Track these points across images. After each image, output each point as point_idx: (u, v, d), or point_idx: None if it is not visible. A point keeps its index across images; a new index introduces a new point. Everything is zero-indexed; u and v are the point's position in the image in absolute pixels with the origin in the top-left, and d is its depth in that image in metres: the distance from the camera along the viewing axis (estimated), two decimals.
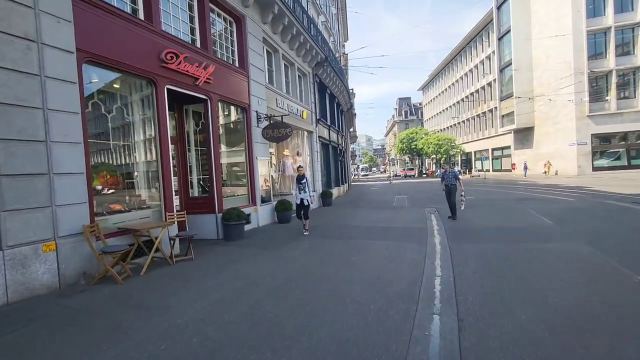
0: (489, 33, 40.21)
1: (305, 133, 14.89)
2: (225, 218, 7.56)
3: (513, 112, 33.85)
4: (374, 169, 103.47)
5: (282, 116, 9.81)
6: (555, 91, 28.12)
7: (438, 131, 55.01)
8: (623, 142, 27.53)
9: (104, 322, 3.50)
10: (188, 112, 8.32)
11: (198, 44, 7.77)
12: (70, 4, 4.79)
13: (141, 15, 6.28)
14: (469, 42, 45.68)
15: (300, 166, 8.53)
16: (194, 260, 5.94)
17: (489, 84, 40.86)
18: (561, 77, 27.42)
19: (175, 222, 6.50)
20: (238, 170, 9.80)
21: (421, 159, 56.96)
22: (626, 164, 27.23)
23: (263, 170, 9.98)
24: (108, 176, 6.03)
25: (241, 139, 9.49)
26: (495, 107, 38.57)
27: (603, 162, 27.84)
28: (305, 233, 7.91)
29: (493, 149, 41.44)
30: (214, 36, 8.51)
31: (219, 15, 8.75)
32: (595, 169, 27.48)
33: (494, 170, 40.99)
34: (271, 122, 9.80)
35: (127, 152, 6.43)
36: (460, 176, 9.66)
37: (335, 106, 21.12)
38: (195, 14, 7.83)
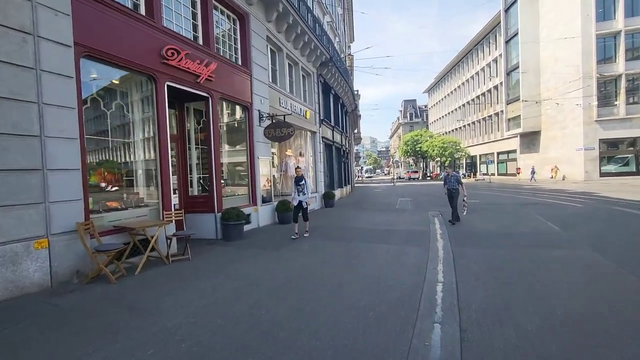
0: (496, 36, 39.85)
1: (309, 133, 14.77)
2: (225, 218, 7.45)
3: (519, 115, 33.45)
4: (378, 170, 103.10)
5: (284, 115, 9.69)
6: (563, 95, 27.73)
7: (443, 134, 54.67)
8: (632, 148, 27.06)
9: (93, 323, 3.38)
10: (189, 110, 8.23)
11: (200, 41, 7.68)
12: None
13: (142, 11, 6.19)
14: (476, 45, 45.33)
15: (298, 167, 8.25)
16: (191, 260, 5.83)
17: (496, 87, 40.48)
18: (569, 81, 27.05)
19: (173, 221, 6.39)
20: (239, 169, 9.70)
21: (425, 161, 56.62)
22: (634, 170, 26.76)
23: (264, 170, 9.87)
24: (106, 173, 5.94)
25: (243, 138, 9.38)
26: (502, 111, 38.17)
27: (611, 167, 27.39)
28: (293, 237, 7.48)
29: (498, 153, 41.02)
30: (217, 34, 8.42)
31: (222, 12, 8.66)
32: (602, 174, 27.03)
33: (499, 174, 40.56)
34: (273, 121, 9.69)
35: (126, 149, 6.34)
36: (463, 180, 9.44)
37: (339, 107, 20.99)
38: (198, 11, 7.74)
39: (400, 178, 52.52)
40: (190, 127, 8.25)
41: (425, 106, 76.36)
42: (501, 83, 38.07)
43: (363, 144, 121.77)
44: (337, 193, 17.85)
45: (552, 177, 29.35)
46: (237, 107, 9.33)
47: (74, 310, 3.73)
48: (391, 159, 70.68)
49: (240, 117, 9.45)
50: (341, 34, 26.36)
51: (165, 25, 6.56)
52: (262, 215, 9.52)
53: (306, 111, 13.58)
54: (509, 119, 36.35)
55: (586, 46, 26.53)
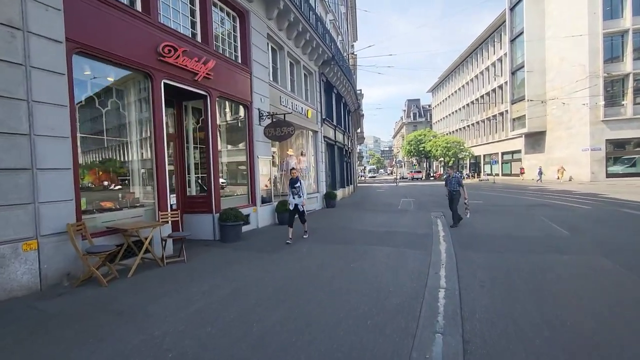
0: (501, 35, 39.44)
1: (310, 133, 14.60)
2: (222, 218, 7.31)
3: (524, 115, 33.08)
4: (381, 170, 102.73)
5: (284, 114, 9.53)
6: (569, 95, 27.34)
7: (447, 134, 54.28)
8: (639, 149, 26.62)
9: (77, 329, 3.24)
10: (187, 109, 8.10)
11: (199, 39, 7.53)
12: None
13: (138, 7, 6.06)
14: (481, 44, 44.91)
15: (293, 168, 7.89)
16: (186, 262, 5.69)
17: (500, 87, 40.07)
18: (575, 80, 26.65)
19: (169, 222, 6.27)
20: (238, 169, 9.55)
21: (429, 161, 56.26)
22: None
23: (264, 169, 9.72)
24: (100, 173, 5.81)
25: (242, 137, 9.24)
26: (506, 110, 37.77)
27: (617, 168, 26.97)
28: (288, 242, 7.08)
29: (503, 153, 40.62)
30: (216, 31, 8.27)
31: (221, 9, 8.51)
32: (609, 175, 26.64)
33: (503, 175, 40.17)
34: (273, 120, 9.53)
35: (121, 148, 6.21)
36: (464, 181, 9.21)
37: (342, 106, 20.79)
38: (197, 7, 7.59)
39: (403, 178, 52.28)
40: (189, 126, 8.12)
41: (429, 106, 75.93)
42: (506, 82, 37.67)
43: (366, 144, 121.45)
44: (339, 193, 17.67)
45: (558, 178, 28.93)
46: (237, 106, 9.18)
47: (59, 315, 3.59)
48: (394, 159, 70.27)
49: (240, 116, 9.30)
50: (344, 33, 26.15)
51: (162, 21, 6.43)
52: (261, 216, 9.37)
53: (308, 110, 13.41)
54: (513, 119, 35.96)
55: (593, 45, 26.13)
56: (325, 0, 19.14)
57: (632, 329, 3.05)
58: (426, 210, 12.49)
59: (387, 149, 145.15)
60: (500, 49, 39.51)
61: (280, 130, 9.28)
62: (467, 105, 49.94)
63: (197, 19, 7.60)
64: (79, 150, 5.43)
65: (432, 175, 53.32)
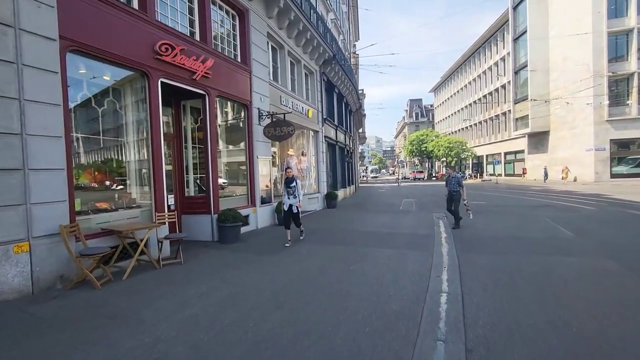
0: (503, 34, 39.18)
1: (311, 133, 14.49)
2: (221, 219, 7.20)
3: (527, 115, 32.81)
4: (383, 170, 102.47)
5: (284, 114, 9.42)
6: (573, 94, 27.08)
7: (449, 133, 54.03)
8: None
9: (66, 335, 3.14)
10: (186, 108, 8.00)
11: (197, 37, 7.43)
12: None
13: (135, 4, 5.96)
14: (483, 44, 44.65)
15: (288, 168, 7.50)
16: (183, 264, 5.59)
17: (503, 87, 39.81)
18: (579, 79, 26.39)
19: (166, 223, 6.17)
20: (238, 169, 9.45)
21: (431, 161, 56.01)
22: None
23: (264, 170, 9.61)
24: (96, 173, 5.72)
25: (242, 137, 9.13)
26: (509, 110, 37.52)
27: (622, 168, 26.70)
28: (286, 245, 6.87)
29: (506, 153, 40.37)
30: (215, 29, 8.17)
31: (221, 7, 8.40)
32: (613, 175, 26.38)
33: (506, 175, 39.92)
34: (273, 119, 9.42)
35: (118, 148, 6.11)
36: (465, 181, 9.04)
37: (343, 106, 20.66)
38: (195, 6, 7.49)
39: (405, 178, 52.06)
40: (187, 125, 8.02)
41: (431, 106, 75.65)
42: (509, 82, 37.43)
43: (368, 144, 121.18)
44: (340, 193, 17.56)
45: (563, 179, 28.66)
46: (236, 105, 9.08)
47: (49, 319, 3.49)
48: (396, 159, 70.05)
49: (239, 116, 9.20)
50: (345, 32, 26.02)
51: (159, 19, 6.33)
52: (261, 217, 9.26)
53: (308, 110, 13.30)
54: (516, 119, 35.71)
55: (597, 44, 25.87)
56: None
57: None
58: (428, 210, 12.35)
59: (389, 149, 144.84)
60: (503, 48, 39.26)
61: (280, 130, 9.17)
62: (470, 105, 49.68)
63: (196, 17, 7.50)
64: (79, 150, 5.39)
65: (434, 175, 53.09)
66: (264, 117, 9.38)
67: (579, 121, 28.01)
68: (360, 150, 52.33)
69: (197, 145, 8.09)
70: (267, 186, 9.84)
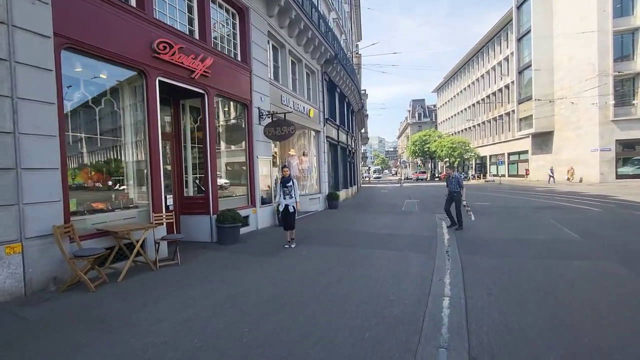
0: (507, 33, 38.89)
1: (313, 133, 14.39)
2: (220, 220, 7.11)
3: (531, 115, 32.50)
4: (386, 171, 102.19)
5: (284, 113, 9.31)
6: (578, 94, 26.77)
7: (452, 134, 53.74)
8: None
9: (55, 339, 3.04)
10: (185, 108, 7.91)
11: (196, 35, 7.35)
12: None
13: (132, 2, 5.87)
14: (487, 43, 44.35)
15: (284, 166, 7.19)
16: (180, 265, 5.49)
17: (507, 86, 39.51)
18: (584, 79, 26.08)
19: (164, 224, 6.07)
20: (237, 169, 9.35)
21: (434, 162, 55.73)
22: None
23: (264, 170, 9.51)
24: (92, 172, 5.63)
25: (242, 136, 9.03)
26: (513, 110, 37.19)
27: (628, 169, 26.35)
28: (286, 246, 6.69)
29: (509, 154, 40.04)
30: (215, 28, 8.08)
31: (220, 6, 8.31)
32: (618, 176, 26.03)
33: (509, 176, 39.59)
34: (274, 119, 9.32)
35: (115, 148, 6.03)
36: (466, 182, 8.89)
37: (345, 106, 20.54)
38: (195, 4, 7.41)
39: (407, 179, 51.84)
40: (186, 125, 7.93)
41: (434, 106, 75.32)
42: (513, 82, 37.12)
43: (370, 144, 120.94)
44: (342, 194, 17.43)
45: (568, 179, 28.31)
46: (236, 105, 8.99)
47: (39, 323, 3.39)
48: (399, 160, 69.80)
49: (239, 115, 9.10)
50: (348, 32, 25.90)
51: (157, 17, 6.24)
52: (261, 217, 9.15)
53: (310, 110, 13.19)
54: (520, 119, 35.39)
55: (603, 43, 25.57)
56: None
57: None
58: (431, 211, 12.19)
59: (392, 149, 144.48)
60: (507, 47, 38.97)
61: (281, 129, 9.07)
62: (473, 105, 49.36)
63: (195, 16, 7.41)
64: (75, 149, 5.31)
65: (437, 175, 52.81)
66: (264, 116, 9.28)
67: (583, 121, 27.70)
68: (362, 151, 52.17)
69: (196, 145, 8.00)
70: (267, 186, 9.74)
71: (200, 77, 7.04)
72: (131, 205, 6.02)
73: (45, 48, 4.36)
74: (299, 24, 11.17)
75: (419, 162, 63.42)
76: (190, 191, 7.95)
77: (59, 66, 4.54)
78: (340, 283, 4.56)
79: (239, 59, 8.77)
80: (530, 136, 34.63)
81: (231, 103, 8.90)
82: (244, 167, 9.02)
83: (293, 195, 6.80)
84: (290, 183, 6.79)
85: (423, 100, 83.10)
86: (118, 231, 4.82)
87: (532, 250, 6.18)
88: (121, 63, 5.53)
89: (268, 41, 10.13)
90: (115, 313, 3.64)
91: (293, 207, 6.80)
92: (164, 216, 6.03)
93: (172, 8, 6.90)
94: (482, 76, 46.01)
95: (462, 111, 53.86)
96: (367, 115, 37.54)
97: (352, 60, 23.54)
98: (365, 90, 35.72)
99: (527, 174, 35.28)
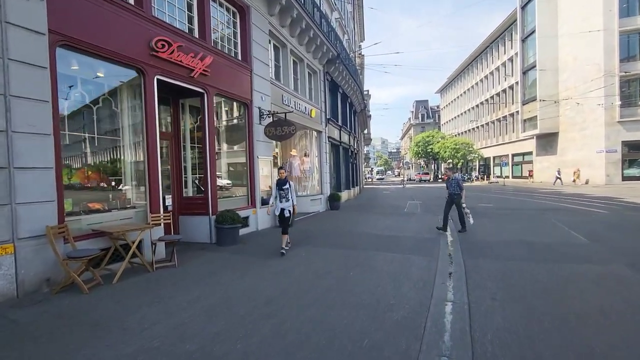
0: (512, 34, 38.60)
1: (314, 133, 14.28)
2: (219, 221, 7.01)
3: (536, 116, 32.20)
4: (389, 172, 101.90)
5: (285, 113, 9.21)
6: (583, 95, 26.47)
7: (455, 135, 53.44)
8: None
9: (43, 344, 2.94)
10: (184, 107, 7.83)
11: (196, 34, 7.26)
12: None
13: None
14: (491, 44, 44.06)
15: (281, 168, 6.74)
16: (177, 267, 5.39)
17: (511, 87, 39.21)
18: (590, 79, 25.78)
19: (162, 224, 5.98)
20: (237, 170, 9.26)
21: (437, 163, 55.43)
22: None
23: (265, 170, 9.41)
24: (89, 172, 5.55)
25: (242, 136, 8.93)
26: (517, 111, 36.91)
27: (634, 171, 26.01)
28: (282, 250, 6.19)
29: (513, 155, 39.71)
30: (215, 26, 7.99)
31: (220, 4, 8.23)
32: (625, 178, 25.71)
33: (513, 177, 39.26)
34: (274, 119, 9.21)
35: (112, 147, 5.94)
36: (469, 183, 8.70)
37: (347, 106, 20.42)
38: (194, 2, 7.33)
39: (410, 180, 51.58)
40: (186, 125, 7.84)
41: (438, 107, 74.99)
42: (517, 83, 36.83)
43: (373, 145, 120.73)
44: (344, 195, 17.30)
45: (574, 181, 27.95)
46: (236, 104, 8.90)
47: (29, 326, 3.30)
48: (402, 161, 69.53)
49: (239, 115, 9.01)
50: (350, 32, 25.79)
51: (155, 15, 6.16)
52: (261, 218, 9.05)
53: (311, 110, 13.08)
54: (524, 120, 35.10)
55: (609, 43, 25.28)
56: None
57: None
58: (433, 213, 12.02)
59: (395, 150, 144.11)
60: (511, 48, 38.67)
61: (282, 129, 8.97)
62: (477, 106, 49.05)
63: (195, 14, 7.33)
64: (71, 148, 5.23)
65: (440, 177, 52.48)
66: (264, 116, 9.18)
67: (589, 122, 27.39)
68: (365, 152, 52.00)
69: (196, 145, 7.92)
70: (268, 187, 9.63)
71: (200, 76, 6.95)
72: (128, 206, 5.94)
73: (39, 45, 4.28)
74: (300, 23, 11.08)
75: (422, 163, 63.17)
76: (189, 191, 7.86)
77: (53, 64, 4.46)
78: (339, 286, 4.43)
79: (240, 58, 8.68)
80: (535, 137, 34.32)
81: (231, 102, 8.81)
82: (244, 168, 8.92)
83: (290, 198, 6.43)
84: (287, 185, 6.39)
85: (426, 101, 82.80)
86: (113, 232, 4.72)
87: (538, 253, 6.03)
88: (119, 61, 5.45)
89: (269, 40, 10.04)
90: (107, 316, 3.55)
91: (289, 211, 6.41)
92: (162, 217, 5.94)
93: (171, 6, 6.82)
94: (486, 77, 45.71)
95: (465, 112, 53.55)
96: (370, 116, 37.39)
97: (354, 60, 23.43)
98: (368, 91, 35.61)
99: (530, 176, 34.93)
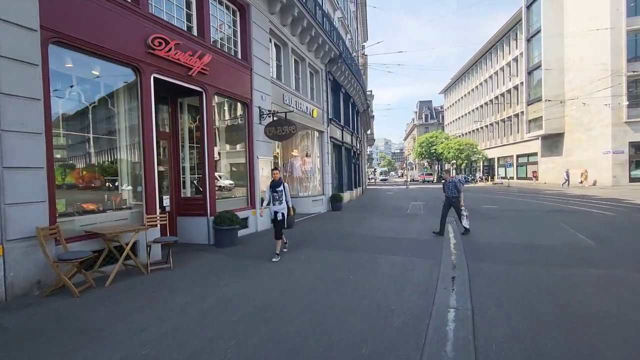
0: (516, 33, 38.22)
1: (316, 133, 14.13)
2: (217, 222, 6.88)
3: (541, 116, 31.80)
4: (392, 172, 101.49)
5: (285, 113, 9.08)
6: (589, 95, 26.07)
7: (459, 135, 53.07)
8: None
9: (27, 350, 2.83)
10: (183, 106, 7.72)
11: (194, 32, 7.15)
12: None
13: None
14: (495, 44, 43.67)
15: (275, 168, 6.42)
16: (172, 269, 5.26)
17: (516, 87, 38.80)
18: (597, 79, 25.38)
19: (158, 226, 5.86)
20: (237, 170, 9.14)
21: (441, 164, 55.06)
22: None
23: (265, 170, 9.27)
24: (83, 172, 5.45)
25: (242, 136, 8.81)
26: (522, 112, 36.49)
27: None
28: (275, 259, 5.78)
29: (518, 156, 39.28)
30: (214, 24, 7.88)
31: (220, 2, 8.11)
32: (632, 179, 25.26)
33: (518, 178, 38.83)
34: (275, 118, 9.09)
35: (107, 146, 5.84)
36: (475, 184, 8.48)
37: (350, 106, 20.26)
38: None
39: (414, 180, 51.30)
40: (184, 124, 7.74)
41: (441, 107, 74.57)
42: (522, 83, 36.43)
43: (376, 146, 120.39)
44: (346, 196, 17.13)
45: (581, 182, 27.51)
46: (236, 104, 8.78)
47: (15, 331, 3.19)
48: (405, 161, 69.22)
49: (239, 114, 8.90)
50: (353, 32, 25.63)
51: (152, 12, 6.05)
52: (260, 219, 8.88)
53: (313, 110, 12.94)
54: (529, 121, 34.68)
55: (616, 42, 24.89)
56: None
57: None
58: (436, 214, 11.75)
59: (398, 151, 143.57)
60: (516, 48, 38.29)
61: (282, 129, 8.83)
62: (481, 106, 48.65)
63: (193, 12, 7.23)
64: (64, 148, 5.13)
65: (443, 178, 52.09)
66: (265, 116, 9.05)
67: (595, 123, 26.99)
68: (368, 152, 51.82)
69: (194, 145, 7.81)
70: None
71: (198, 75, 6.84)
72: (124, 206, 5.83)
73: (31, 42, 4.18)
74: (301, 21, 10.95)
75: (426, 163, 62.82)
76: (187, 192, 7.75)
77: (45, 61, 4.36)
78: (339, 290, 4.28)
79: (240, 56, 8.56)
80: (540, 138, 33.90)
81: (231, 102, 8.70)
82: (244, 168, 8.80)
83: (283, 201, 6.12)
84: (281, 188, 6.10)
85: (430, 101, 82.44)
86: (106, 233, 4.61)
87: (544, 257, 5.83)
88: (114, 59, 5.34)
89: (270, 39, 9.92)
90: (96, 322, 3.42)
91: (282, 214, 6.08)
92: (158, 218, 5.82)
93: (169, 3, 6.72)
94: (491, 77, 45.31)
95: (469, 112, 53.14)
96: (373, 117, 37.22)
97: (357, 60, 23.28)
98: (371, 91, 35.45)
99: (534, 177, 34.50)
